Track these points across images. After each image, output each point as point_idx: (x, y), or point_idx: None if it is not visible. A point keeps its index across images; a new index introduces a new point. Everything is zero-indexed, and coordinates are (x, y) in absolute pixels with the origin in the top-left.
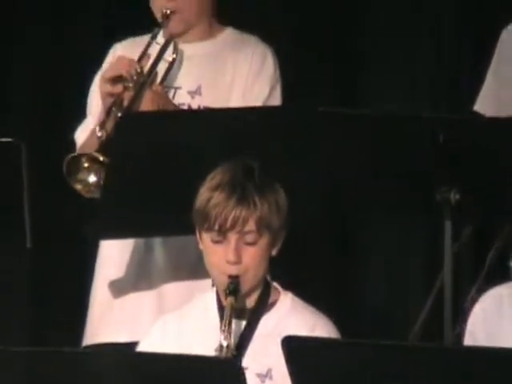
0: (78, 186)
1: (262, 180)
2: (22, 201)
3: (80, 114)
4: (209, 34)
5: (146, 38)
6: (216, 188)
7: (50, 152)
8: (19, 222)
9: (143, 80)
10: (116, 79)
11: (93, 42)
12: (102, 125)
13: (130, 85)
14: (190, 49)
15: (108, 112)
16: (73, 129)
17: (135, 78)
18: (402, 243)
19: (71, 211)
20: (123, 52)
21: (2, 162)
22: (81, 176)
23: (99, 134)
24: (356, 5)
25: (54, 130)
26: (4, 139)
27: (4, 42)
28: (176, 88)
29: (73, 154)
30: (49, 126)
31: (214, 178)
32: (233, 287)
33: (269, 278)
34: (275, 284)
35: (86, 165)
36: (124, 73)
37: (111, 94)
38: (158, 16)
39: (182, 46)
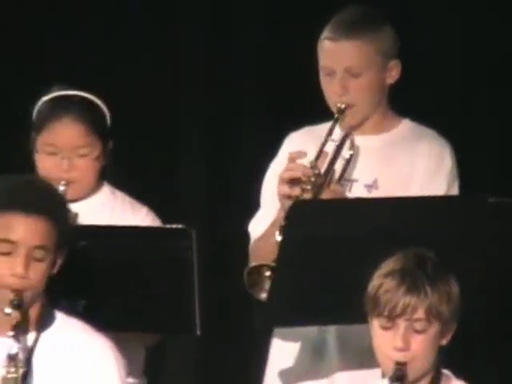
0: (262, 295)
1: (434, 271)
2: (192, 288)
3: (251, 203)
4: (384, 126)
5: (322, 127)
6: (387, 275)
7: (220, 240)
8: (189, 310)
9: (321, 181)
10: (293, 181)
11: (264, 130)
12: (282, 229)
13: (308, 187)
14: (366, 141)
15: None
16: (240, 216)
17: (313, 179)
18: None
19: (239, 299)
20: (300, 141)
21: (173, 248)
22: (264, 285)
23: (279, 239)
24: None
25: (223, 218)
26: (175, 226)
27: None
28: (352, 181)
29: (252, 265)
30: (219, 215)
31: (386, 265)
32: (400, 374)
33: (441, 366)
34: (447, 372)
35: (267, 274)
36: (301, 176)
37: (289, 196)
38: (334, 110)
39: (358, 138)
